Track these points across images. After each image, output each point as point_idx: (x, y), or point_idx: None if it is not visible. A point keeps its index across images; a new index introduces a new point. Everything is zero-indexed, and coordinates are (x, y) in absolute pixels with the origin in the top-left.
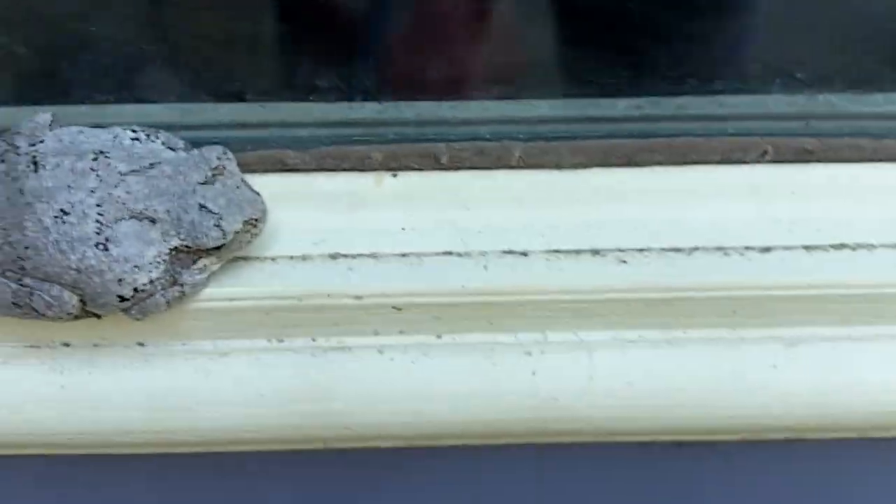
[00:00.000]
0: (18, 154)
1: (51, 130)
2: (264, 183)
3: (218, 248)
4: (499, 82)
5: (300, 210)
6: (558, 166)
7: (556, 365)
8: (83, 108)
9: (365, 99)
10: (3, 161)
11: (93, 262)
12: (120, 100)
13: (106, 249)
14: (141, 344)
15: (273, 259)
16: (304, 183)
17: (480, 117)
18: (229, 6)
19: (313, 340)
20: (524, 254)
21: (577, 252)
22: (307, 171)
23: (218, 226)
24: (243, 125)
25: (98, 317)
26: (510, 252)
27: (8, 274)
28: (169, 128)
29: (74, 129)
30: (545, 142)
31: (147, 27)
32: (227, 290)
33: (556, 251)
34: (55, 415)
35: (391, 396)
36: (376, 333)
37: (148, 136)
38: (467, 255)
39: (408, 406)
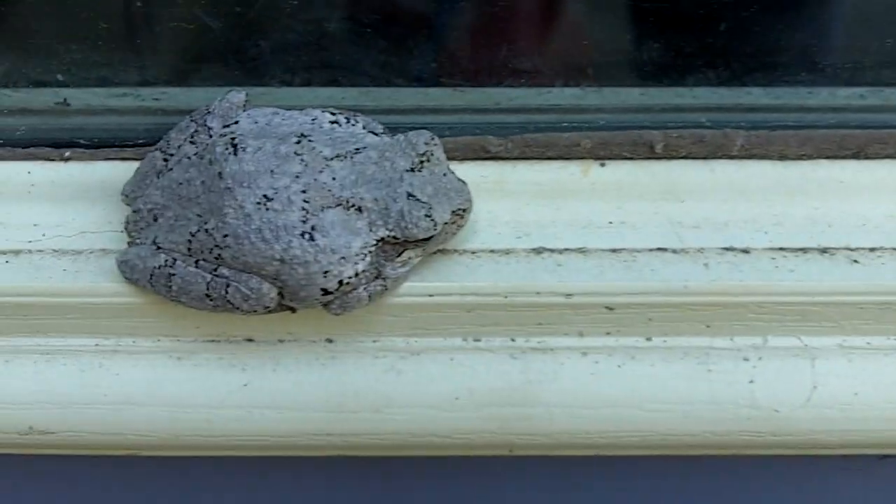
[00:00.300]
0: (211, 136)
1: (244, 111)
2: (464, 171)
3: (426, 239)
4: (710, 68)
5: (501, 201)
6: (783, 157)
7: (776, 372)
8: (271, 90)
9: (568, 84)
10: (193, 143)
11: (298, 252)
12: (307, 82)
13: (312, 239)
14: (329, 340)
15: (474, 253)
16: (507, 172)
17: (697, 104)
18: None
19: (512, 340)
20: (746, 251)
21: (804, 251)
22: (510, 160)
23: (429, 216)
24: (440, 110)
25: (293, 310)
26: (730, 249)
27: (202, 263)
28: (362, 112)
29: (268, 110)
30: (769, 131)
31: (336, 8)
32: (426, 285)
33: (781, 249)
34: (236, 414)
35: (594, 402)
36: (581, 335)
37: (347, 119)
38: (683, 251)
39: (612, 413)
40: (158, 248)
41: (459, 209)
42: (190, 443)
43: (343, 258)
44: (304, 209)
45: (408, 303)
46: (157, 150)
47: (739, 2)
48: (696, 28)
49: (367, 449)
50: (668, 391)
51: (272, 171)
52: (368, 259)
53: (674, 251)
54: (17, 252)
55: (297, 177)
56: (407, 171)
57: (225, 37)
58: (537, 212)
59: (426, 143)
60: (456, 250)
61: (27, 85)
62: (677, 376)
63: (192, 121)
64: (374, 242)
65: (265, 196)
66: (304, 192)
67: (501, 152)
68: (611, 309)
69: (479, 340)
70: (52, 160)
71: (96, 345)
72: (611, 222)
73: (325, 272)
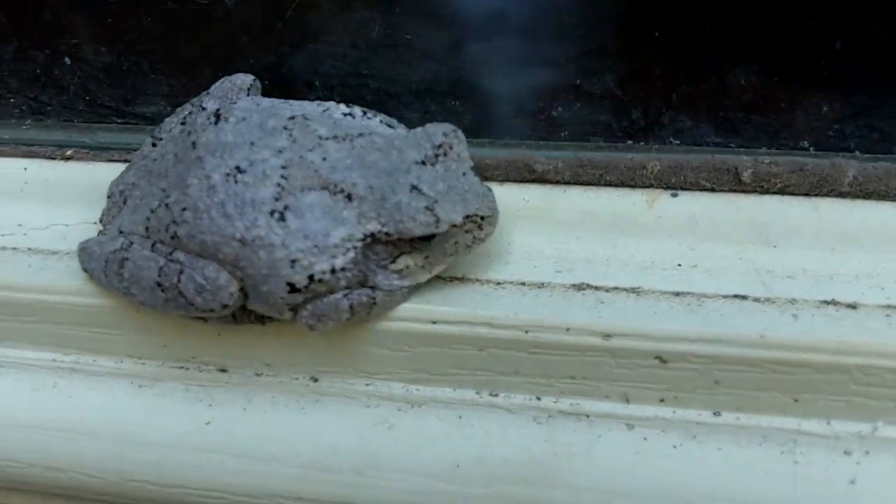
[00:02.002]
0: (201, 112)
1: (248, 95)
2: (504, 193)
3: (426, 241)
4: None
5: (544, 229)
6: None
7: (889, 473)
8: None
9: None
10: (183, 123)
11: (262, 231)
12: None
13: (282, 220)
14: (314, 379)
15: (499, 283)
16: (554, 197)
17: (798, 123)
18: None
19: (538, 399)
20: (853, 306)
21: None
22: (559, 183)
23: (430, 209)
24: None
25: (262, 322)
26: (832, 303)
27: (158, 246)
28: None
29: (278, 99)
30: (890, 163)
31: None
32: (429, 308)
33: None
34: (191, 459)
35: (638, 491)
36: (627, 399)
37: (364, 112)
38: (768, 301)
39: None
40: (120, 232)
41: (476, 215)
42: (134, 491)
43: (317, 247)
44: (279, 185)
45: (406, 329)
46: (149, 136)
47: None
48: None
49: None
50: (738, 486)
51: (252, 143)
52: (352, 255)
53: (755, 299)
54: None
55: (280, 151)
56: (417, 162)
57: None
58: (587, 247)
59: (445, 135)
60: (478, 279)
61: None
62: (752, 466)
63: (189, 104)
64: (362, 237)
65: (237, 167)
66: (283, 167)
67: (550, 173)
68: (664, 361)
69: (495, 396)
70: (53, 158)
71: (53, 360)
72: (679, 265)
73: (293, 260)
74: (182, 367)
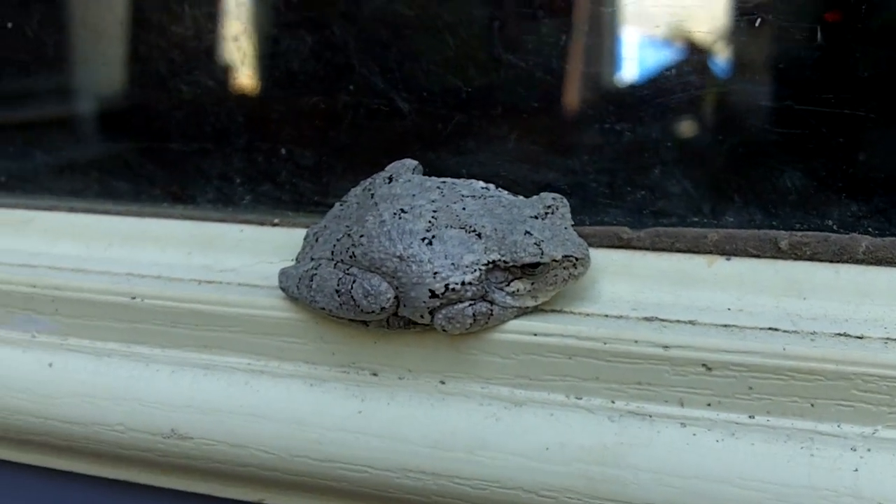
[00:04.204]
0: (377, 179)
1: (413, 173)
2: (595, 253)
3: (533, 268)
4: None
5: (626, 283)
6: None
7: (886, 465)
8: None
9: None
10: (363, 189)
11: (415, 251)
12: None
13: (430, 244)
14: (442, 382)
15: (587, 315)
16: (635, 258)
17: (824, 208)
18: None
19: (612, 402)
20: (860, 337)
21: None
22: (640, 249)
23: (538, 245)
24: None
25: (408, 326)
26: (843, 335)
27: (339, 265)
28: None
29: (434, 178)
30: (894, 237)
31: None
32: (532, 323)
33: None
34: (345, 438)
35: (688, 475)
36: (681, 404)
37: (497, 187)
38: (794, 332)
39: (702, 486)
40: (312, 259)
41: (572, 255)
42: (297, 466)
43: (454, 264)
44: (430, 222)
45: (513, 340)
46: (338, 202)
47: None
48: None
49: (456, 499)
50: (765, 471)
51: (413, 195)
52: (477, 275)
53: (784, 331)
54: (210, 282)
55: (433, 201)
56: (531, 216)
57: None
58: (658, 295)
59: (553, 199)
60: (570, 311)
61: None
62: (777, 457)
63: (370, 178)
64: (486, 263)
65: (402, 209)
66: (434, 211)
67: (633, 241)
68: (709, 368)
69: (580, 398)
70: (263, 224)
71: (248, 364)
72: (728, 309)
73: (436, 273)
74: (344, 371)
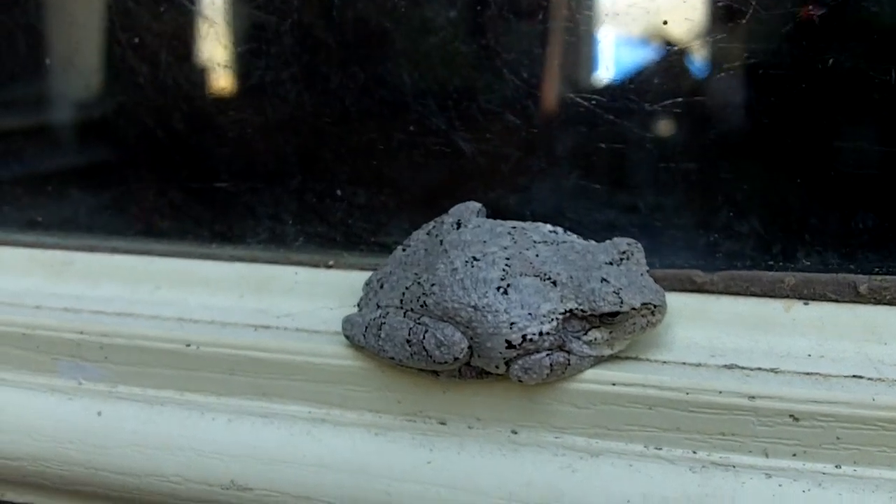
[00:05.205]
0: (444, 224)
1: (477, 216)
2: (669, 298)
3: (611, 317)
4: None
5: (701, 328)
6: None
7: None
8: None
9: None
10: (428, 234)
11: (490, 300)
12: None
13: (506, 293)
14: (514, 431)
15: (665, 362)
16: (709, 302)
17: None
18: None
19: (694, 453)
20: None
21: None
22: (713, 293)
23: (616, 293)
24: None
25: (480, 376)
26: None
27: (409, 314)
28: None
29: (503, 221)
30: None
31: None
32: (611, 373)
33: None
34: (414, 490)
35: None
36: (766, 454)
37: (565, 230)
38: (880, 380)
39: None
40: (378, 306)
41: (650, 303)
42: None
43: (530, 314)
44: (504, 270)
45: (591, 390)
46: (400, 246)
47: None
48: None
49: None
50: None
51: (485, 241)
52: (554, 324)
53: (869, 378)
54: (266, 327)
55: (505, 248)
56: (606, 263)
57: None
58: (735, 341)
59: (628, 244)
60: (647, 359)
61: None
62: None
63: (433, 221)
64: (563, 311)
65: (473, 257)
66: (507, 259)
67: (706, 285)
68: (795, 419)
69: (660, 449)
70: (317, 266)
71: (309, 412)
72: (809, 355)
73: (512, 323)
74: (410, 420)
